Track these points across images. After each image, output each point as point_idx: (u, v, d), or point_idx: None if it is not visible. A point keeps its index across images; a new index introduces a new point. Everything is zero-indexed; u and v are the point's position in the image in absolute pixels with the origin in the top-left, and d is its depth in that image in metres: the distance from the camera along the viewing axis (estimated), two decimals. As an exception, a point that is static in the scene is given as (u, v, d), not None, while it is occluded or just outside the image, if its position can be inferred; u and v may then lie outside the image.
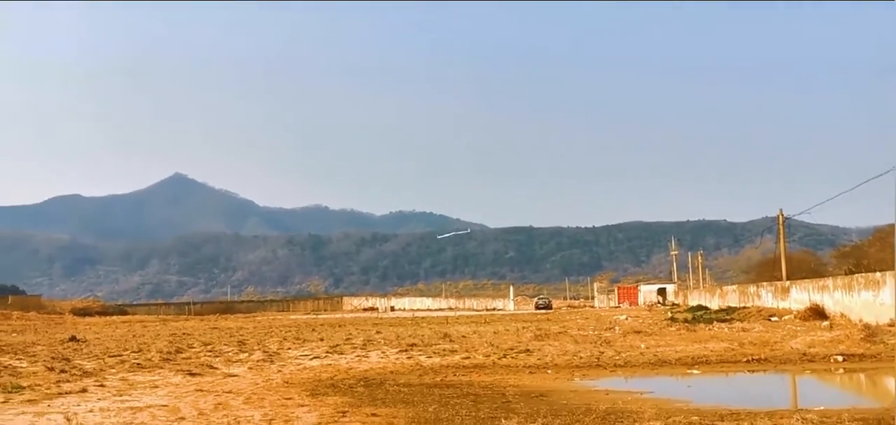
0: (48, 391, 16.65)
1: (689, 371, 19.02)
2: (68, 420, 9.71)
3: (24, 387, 17.18)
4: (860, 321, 28.82)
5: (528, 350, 25.08)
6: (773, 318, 37.13)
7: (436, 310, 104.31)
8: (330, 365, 22.17)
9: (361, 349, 27.33)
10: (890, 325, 25.28)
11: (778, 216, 53.23)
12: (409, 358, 23.73)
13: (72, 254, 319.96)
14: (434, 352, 25.19)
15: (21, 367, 22.16)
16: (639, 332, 32.02)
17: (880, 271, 31.26)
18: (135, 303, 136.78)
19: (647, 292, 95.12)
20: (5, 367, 22.00)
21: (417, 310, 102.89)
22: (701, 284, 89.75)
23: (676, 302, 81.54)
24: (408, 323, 49.74)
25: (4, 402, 14.98)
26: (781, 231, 52.55)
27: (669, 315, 47.88)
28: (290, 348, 28.56)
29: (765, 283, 52.45)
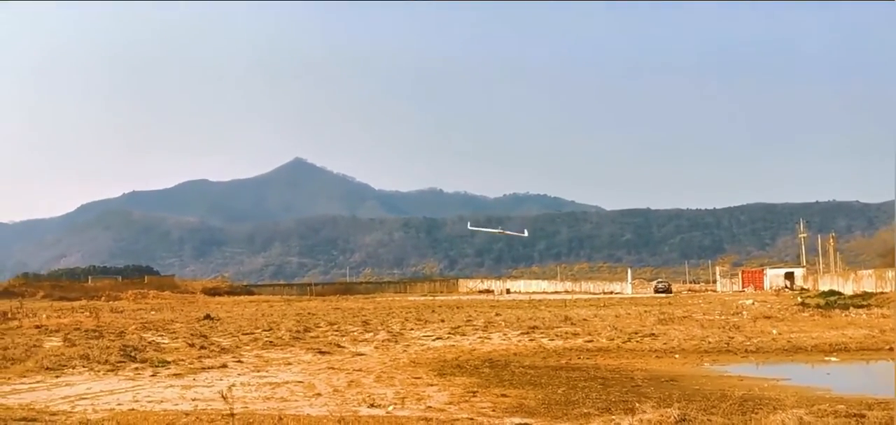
0: (191, 366, 17.64)
1: (826, 358, 18.22)
2: (223, 396, 10.23)
3: (169, 362, 18.26)
4: None
5: (652, 334, 24.64)
6: (915, 304, 35.03)
7: (552, 292, 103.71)
8: (453, 346, 22.46)
9: (483, 331, 27.54)
10: None
11: (919, 196, 49.95)
12: (531, 340, 23.75)
13: (200, 236, 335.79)
14: (556, 335, 25.11)
15: (164, 343, 23.54)
16: (768, 318, 30.87)
17: None
18: (259, 283, 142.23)
19: (774, 276, 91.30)
20: (150, 343, 23.42)
21: (533, 292, 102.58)
22: (832, 268, 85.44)
23: (805, 286, 78.00)
24: (525, 305, 49.71)
25: (153, 375, 15.98)
26: (924, 212, 49.31)
27: (799, 300, 45.88)
28: (412, 329, 29.10)
29: (905, 267, 49.43)
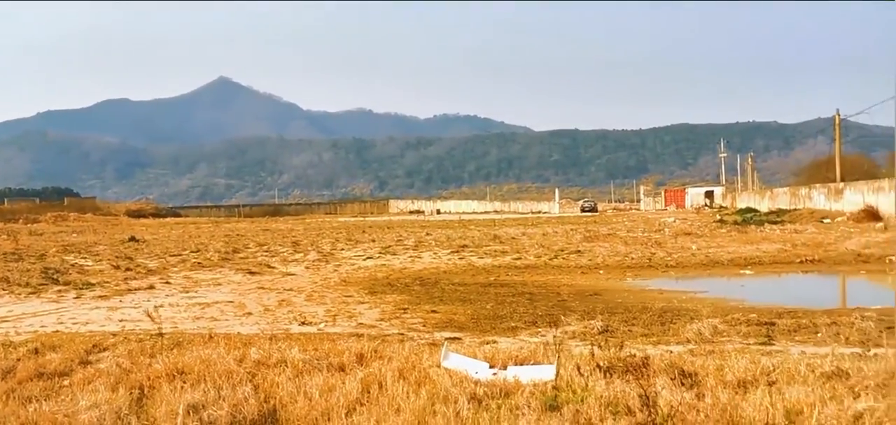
0: (117, 288, 17.39)
1: (741, 271, 19.06)
2: (150, 316, 10.15)
3: (93, 284, 17.95)
4: (917, 223, 28.37)
5: (578, 251, 25.28)
6: (825, 220, 36.68)
7: (481, 212, 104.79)
8: (384, 265, 22.65)
9: (414, 250, 27.80)
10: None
11: (834, 117, 51.93)
12: (461, 258, 24.11)
13: (122, 157, 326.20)
14: (485, 253, 25.53)
15: (87, 266, 23.07)
16: (689, 234, 31.96)
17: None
18: (185, 205, 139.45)
19: (695, 195, 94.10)
20: (73, 266, 22.93)
21: (463, 212, 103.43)
22: (750, 187, 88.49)
23: (724, 204, 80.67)
24: (455, 225, 50.20)
25: (77, 298, 15.71)
26: (837, 131, 51.37)
27: (718, 217, 47.53)
28: (343, 249, 29.17)
29: (817, 185, 51.54)
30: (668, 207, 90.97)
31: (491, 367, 7.16)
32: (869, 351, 7.31)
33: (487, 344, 9.04)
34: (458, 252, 26.38)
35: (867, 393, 5.88)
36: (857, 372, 6.49)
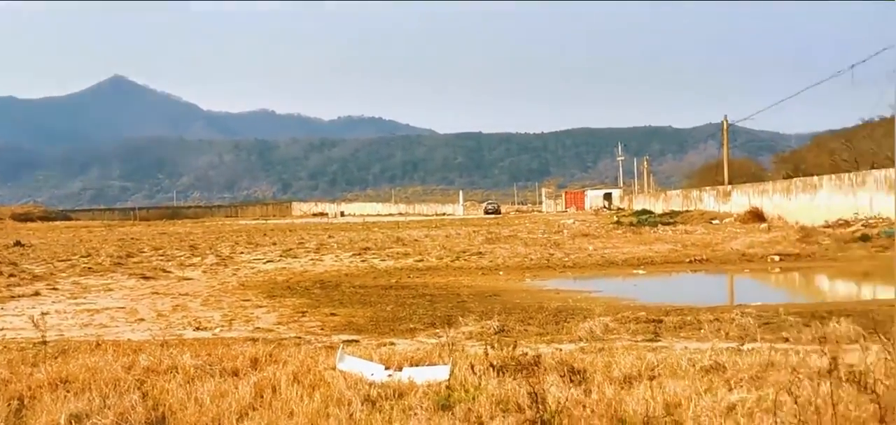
0: None
1: (634, 271, 19.72)
2: (35, 323, 9.72)
3: (-26, 291, 17.05)
4: (797, 223, 29.93)
5: (479, 253, 25.60)
6: (714, 221, 38.30)
7: (386, 215, 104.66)
8: (284, 268, 22.38)
9: (315, 253, 27.57)
10: (824, 226, 26.35)
11: (722, 122, 54.27)
12: (363, 261, 24.06)
13: (8, 157, 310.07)
14: (388, 256, 25.56)
15: (-32, 272, 21.87)
16: (586, 235, 32.83)
17: (816, 175, 32.36)
18: (77, 208, 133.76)
19: (594, 197, 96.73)
20: (-48, 272, 21.70)
21: (367, 215, 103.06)
22: (646, 189, 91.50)
23: (622, 206, 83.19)
24: (359, 228, 50.01)
25: (-44, 306, 14.90)
26: (725, 136, 53.68)
27: (615, 219, 48.99)
28: (242, 252, 28.66)
29: (707, 188, 53.82)
30: (568, 209, 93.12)
31: (386, 369, 7.21)
32: (743, 345, 7.70)
33: (385, 346, 9.08)
34: (360, 254, 26.32)
35: (741, 386, 6.21)
36: (732, 365, 6.84)
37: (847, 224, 25.74)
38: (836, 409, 5.03)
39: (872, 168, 37.43)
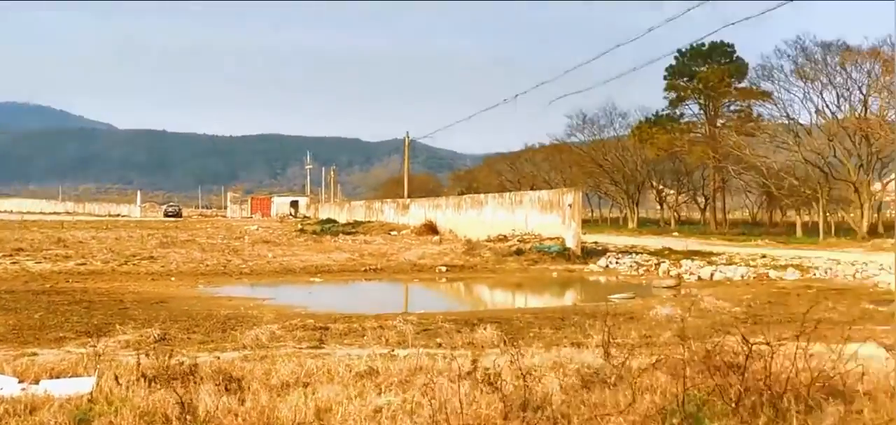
0: None
1: (311, 279, 19.97)
2: None
3: None
4: (465, 237, 32.22)
5: (152, 257, 24.29)
6: (393, 233, 40.03)
7: (51, 213, 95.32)
8: (-89, 270, 19.42)
9: (-45, 253, 24.27)
10: (487, 240, 28.70)
11: (405, 138, 57.05)
12: (13, 263, 21.67)
13: None
14: (44, 258, 23.29)
15: None
16: (267, 242, 32.60)
17: (484, 193, 35.25)
18: None
19: (281, 204, 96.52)
20: None
21: (29, 212, 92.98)
22: (332, 199, 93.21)
23: (308, 215, 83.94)
24: (14, 226, 44.92)
25: None
26: (407, 151, 56.48)
27: (300, 227, 49.31)
28: None
29: (388, 200, 56.18)
30: (254, 215, 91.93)
31: (20, 382, 6.58)
32: (394, 351, 8.15)
33: (26, 356, 8.24)
34: (10, 256, 23.67)
35: (390, 389, 6.56)
36: (385, 370, 7.19)
37: (506, 239, 28.28)
38: (462, 409, 5.47)
39: (531, 189, 41.72)
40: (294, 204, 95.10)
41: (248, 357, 8.44)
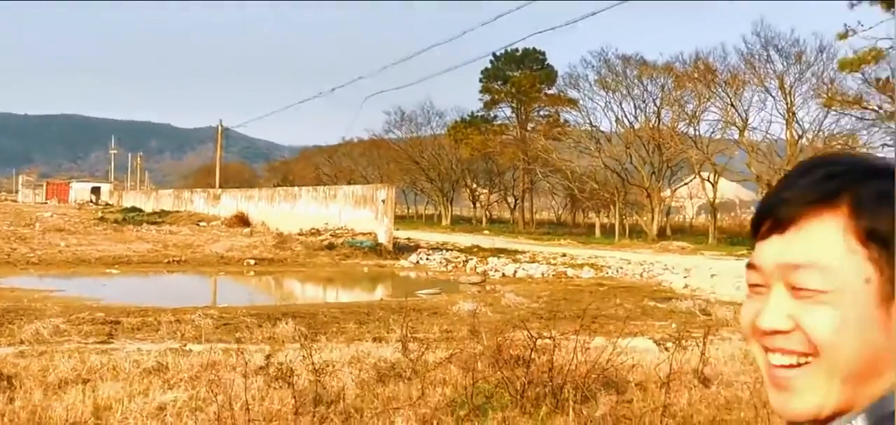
0: None
1: (108, 270, 18.88)
2: None
3: None
4: (277, 230, 31.65)
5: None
6: (202, 223, 38.54)
7: None
8: None
9: None
10: (300, 234, 28.36)
11: (218, 126, 55.13)
12: None
13: None
14: None
15: None
16: (61, 230, 30.40)
17: (299, 186, 34.79)
18: None
19: (80, 190, 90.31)
20: None
21: None
22: (138, 186, 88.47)
23: (111, 202, 79.13)
24: None
25: None
26: (219, 140, 54.60)
27: (100, 215, 46.37)
28: None
29: (199, 190, 54.12)
30: (49, 201, 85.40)
31: None
32: (188, 346, 7.89)
33: None
34: None
35: (179, 386, 6.33)
36: (175, 366, 6.94)
37: (318, 233, 28.06)
38: (248, 406, 5.38)
39: (348, 184, 41.66)
40: (96, 190, 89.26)
41: (25, 353, 7.87)
